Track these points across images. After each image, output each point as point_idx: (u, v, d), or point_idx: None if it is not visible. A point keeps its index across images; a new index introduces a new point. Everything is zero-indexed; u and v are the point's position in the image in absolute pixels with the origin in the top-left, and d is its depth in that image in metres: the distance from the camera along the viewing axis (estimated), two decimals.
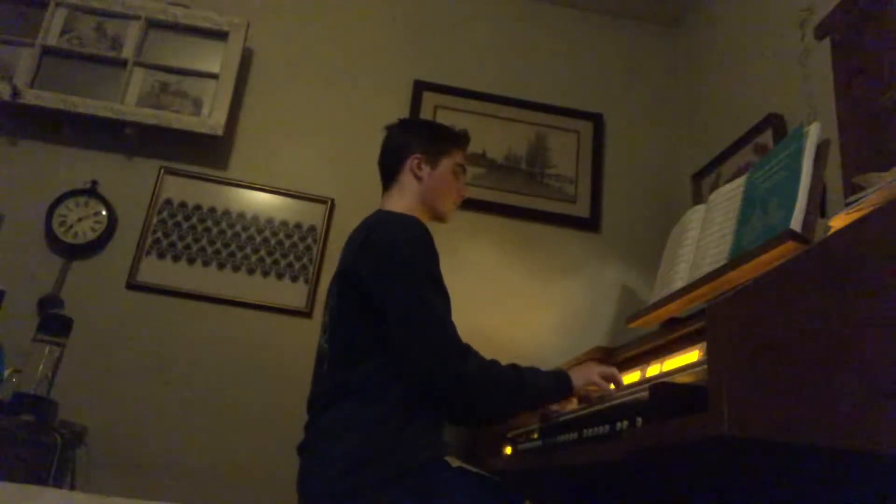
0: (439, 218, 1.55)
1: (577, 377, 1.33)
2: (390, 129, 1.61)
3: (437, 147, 1.53)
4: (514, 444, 1.61)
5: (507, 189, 2.49)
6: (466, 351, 1.24)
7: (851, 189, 1.23)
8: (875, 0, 1.56)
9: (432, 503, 1.16)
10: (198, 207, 2.31)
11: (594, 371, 1.36)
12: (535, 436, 1.44)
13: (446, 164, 1.53)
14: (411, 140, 1.54)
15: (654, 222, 2.46)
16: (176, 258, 2.25)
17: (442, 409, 1.27)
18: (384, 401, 1.23)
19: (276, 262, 2.29)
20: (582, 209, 2.51)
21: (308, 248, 2.31)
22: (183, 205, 2.30)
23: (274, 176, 2.38)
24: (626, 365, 1.64)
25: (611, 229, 2.51)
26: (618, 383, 1.36)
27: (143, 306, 2.19)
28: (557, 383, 1.32)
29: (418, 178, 1.50)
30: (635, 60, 2.75)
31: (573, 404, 1.42)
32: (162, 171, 2.32)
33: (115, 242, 2.25)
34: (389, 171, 1.54)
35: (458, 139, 1.59)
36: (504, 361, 1.32)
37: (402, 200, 1.49)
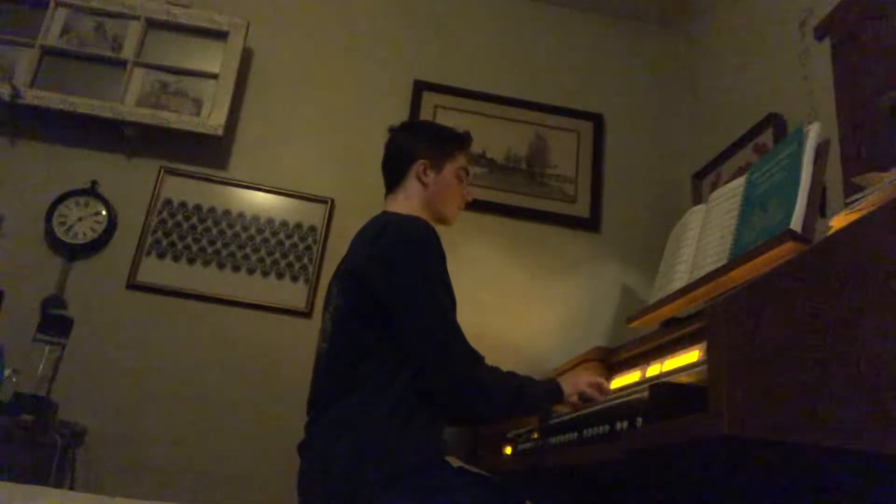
0: (443, 221, 1.55)
1: (567, 385, 1.39)
2: (394, 133, 1.60)
3: (441, 151, 1.53)
4: (514, 444, 1.61)
5: (507, 189, 2.49)
6: (479, 358, 1.29)
7: (851, 189, 1.23)
8: (875, 0, 1.56)
9: (432, 503, 1.16)
10: (198, 207, 2.31)
11: (582, 380, 1.41)
12: (536, 436, 1.44)
13: (450, 168, 1.53)
14: (416, 145, 1.53)
15: (654, 222, 2.46)
16: (176, 258, 2.25)
17: (448, 412, 1.29)
18: (384, 401, 1.23)
19: (276, 262, 2.29)
20: (582, 209, 2.51)
21: (308, 248, 2.31)
22: (183, 205, 2.30)
23: (274, 176, 2.38)
24: (626, 365, 1.65)
25: (611, 229, 2.51)
26: (605, 392, 1.41)
27: (143, 306, 2.19)
28: (549, 393, 1.37)
29: (424, 184, 1.50)
30: (635, 60, 2.74)
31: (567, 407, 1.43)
32: (162, 171, 2.32)
33: (115, 242, 2.24)
34: (394, 176, 1.54)
35: (461, 142, 1.58)
36: (504, 361, 1.36)
37: (408, 204, 1.49)
